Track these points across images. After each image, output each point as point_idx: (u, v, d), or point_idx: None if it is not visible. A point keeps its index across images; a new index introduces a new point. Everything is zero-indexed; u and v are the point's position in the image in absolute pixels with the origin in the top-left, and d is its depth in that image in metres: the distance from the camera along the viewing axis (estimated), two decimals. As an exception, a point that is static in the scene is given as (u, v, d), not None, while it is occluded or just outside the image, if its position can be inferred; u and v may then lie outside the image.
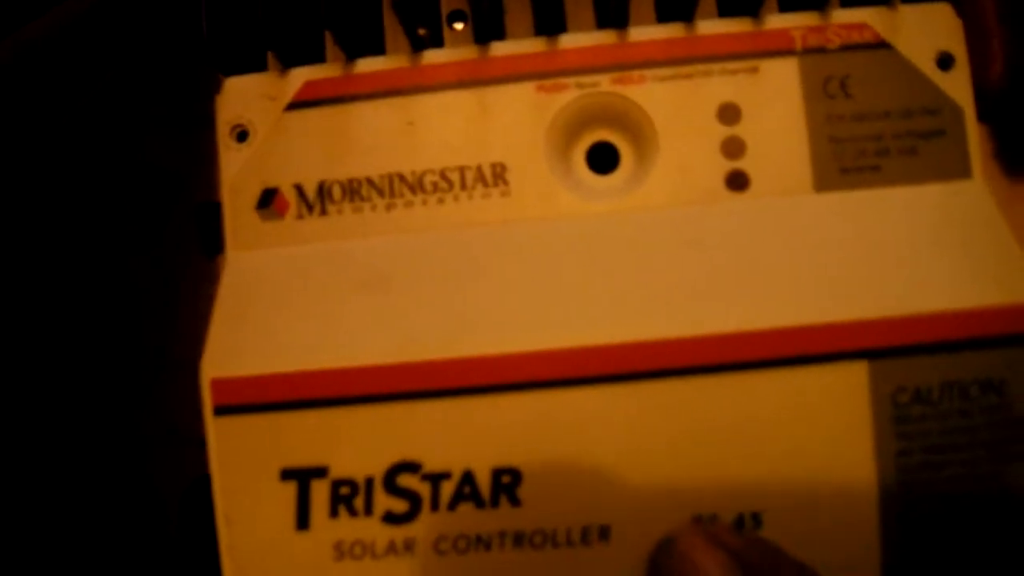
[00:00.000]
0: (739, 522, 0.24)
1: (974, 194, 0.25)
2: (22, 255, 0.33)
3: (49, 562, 0.32)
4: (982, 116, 0.27)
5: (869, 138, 0.26)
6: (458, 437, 0.24)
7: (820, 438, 0.24)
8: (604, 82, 0.26)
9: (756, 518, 0.24)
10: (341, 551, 0.24)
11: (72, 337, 0.33)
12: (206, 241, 0.32)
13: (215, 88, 0.27)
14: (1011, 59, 0.28)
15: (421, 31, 0.28)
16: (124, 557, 0.32)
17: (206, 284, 0.32)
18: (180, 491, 0.32)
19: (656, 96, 0.26)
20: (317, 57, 0.27)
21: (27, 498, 0.32)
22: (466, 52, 0.26)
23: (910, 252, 0.25)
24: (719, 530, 0.22)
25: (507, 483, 0.24)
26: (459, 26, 0.28)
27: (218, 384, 0.25)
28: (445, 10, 0.28)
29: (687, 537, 0.22)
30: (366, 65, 0.27)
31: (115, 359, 0.33)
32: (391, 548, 0.24)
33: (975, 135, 0.26)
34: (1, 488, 0.32)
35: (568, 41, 0.26)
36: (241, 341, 0.25)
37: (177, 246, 0.33)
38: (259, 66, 0.27)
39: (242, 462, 0.25)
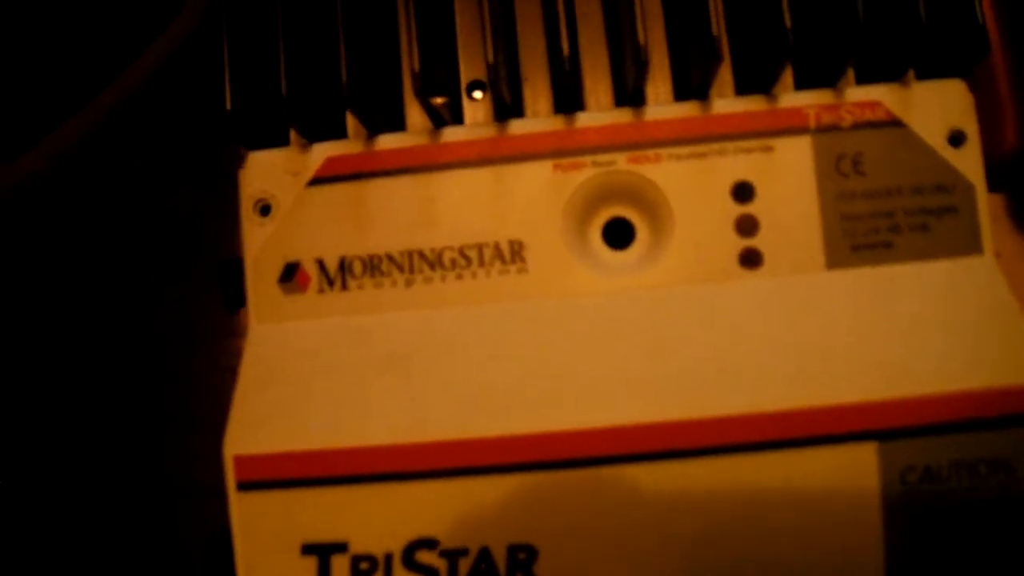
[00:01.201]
0: (750, 599, 0.24)
1: (985, 271, 0.26)
2: (44, 304, 0.33)
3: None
4: (995, 185, 0.27)
5: (881, 215, 0.26)
6: (474, 515, 0.25)
7: (830, 517, 0.24)
8: (620, 160, 0.26)
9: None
10: (360, 624, 0.25)
11: (93, 387, 0.34)
12: (228, 296, 0.33)
13: (239, 161, 0.28)
14: (1024, 131, 0.28)
15: (439, 100, 0.28)
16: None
17: (227, 338, 0.32)
18: (200, 542, 0.33)
19: (671, 174, 0.26)
20: (339, 132, 0.27)
21: (49, 552, 0.33)
22: (485, 130, 0.27)
23: (920, 331, 0.25)
24: None
25: (523, 559, 0.25)
26: (478, 95, 0.28)
27: (241, 461, 0.25)
28: (464, 80, 0.28)
29: None
30: (387, 142, 0.27)
31: (136, 410, 0.33)
32: (409, 622, 0.25)
33: (986, 212, 0.26)
34: (22, 540, 0.33)
35: (585, 120, 0.27)
36: (263, 418, 0.26)
37: (199, 299, 0.33)
38: (282, 140, 0.28)
39: (264, 536, 0.25)
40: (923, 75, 0.27)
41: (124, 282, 0.34)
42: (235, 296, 0.33)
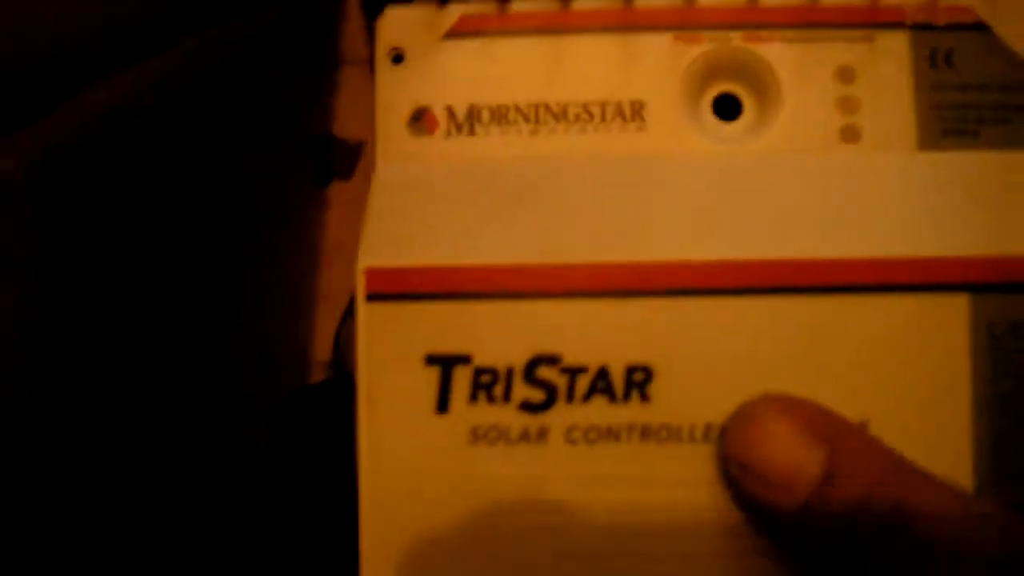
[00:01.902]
0: (846, 430, 0.26)
1: None
2: (143, 175, 0.34)
3: (150, 474, 0.33)
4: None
5: (968, 106, 0.29)
6: (596, 335, 0.26)
7: (924, 358, 0.26)
8: (736, 38, 0.29)
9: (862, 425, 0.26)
10: (477, 435, 0.26)
11: (181, 253, 0.34)
12: (319, 171, 0.34)
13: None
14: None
15: None
16: (216, 472, 0.33)
17: (315, 212, 0.34)
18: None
19: (781, 54, 0.29)
20: None
21: (128, 412, 0.33)
22: (612, 2, 0.29)
23: (1006, 205, 0.27)
24: (793, 401, 0.25)
25: (639, 380, 0.26)
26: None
27: (372, 273, 0.26)
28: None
29: (761, 403, 0.25)
30: (519, 5, 0.29)
31: (224, 280, 0.34)
32: (524, 435, 0.26)
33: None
34: (102, 402, 0.33)
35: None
36: (394, 236, 0.27)
37: (290, 174, 0.35)
38: None
39: (388, 347, 0.26)
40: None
41: (217, 154, 0.35)
42: (325, 172, 0.34)
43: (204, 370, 0.33)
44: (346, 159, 0.30)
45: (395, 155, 0.28)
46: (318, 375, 0.33)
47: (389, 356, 0.26)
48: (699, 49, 0.29)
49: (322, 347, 0.33)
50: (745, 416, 0.25)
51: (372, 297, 0.26)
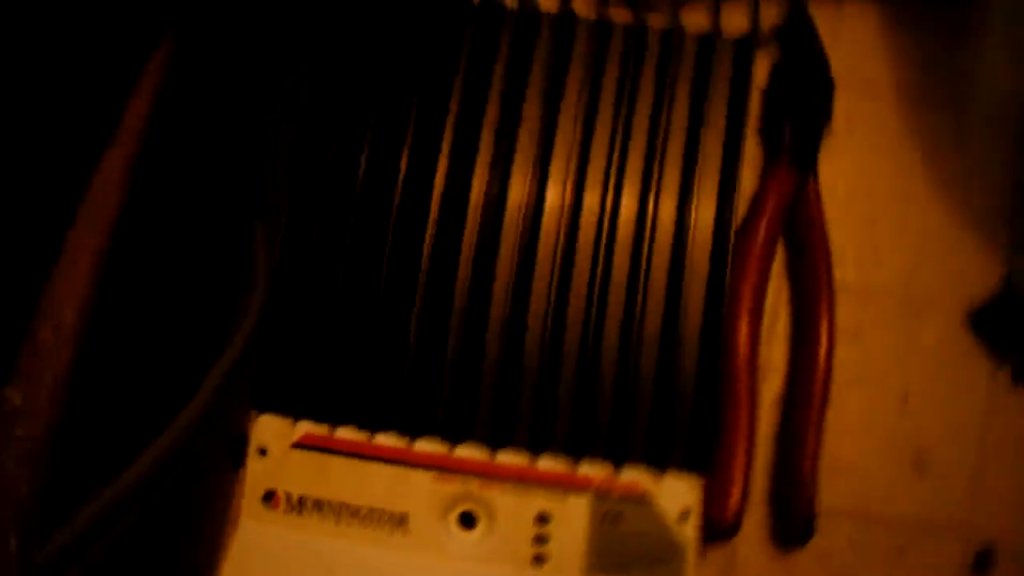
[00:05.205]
0: None
1: None
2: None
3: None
4: (726, 536, 0.44)
5: (627, 552, 0.43)
6: None
7: None
8: (474, 483, 0.44)
9: None
10: None
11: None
12: (234, 459, 0.50)
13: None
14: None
15: None
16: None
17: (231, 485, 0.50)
18: None
19: (502, 499, 0.43)
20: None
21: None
22: (399, 442, 0.44)
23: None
24: None
25: None
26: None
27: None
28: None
29: None
30: (342, 433, 0.45)
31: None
32: None
33: (692, 563, 0.43)
34: None
35: (460, 452, 0.44)
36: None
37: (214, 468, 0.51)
38: (282, 410, 0.45)
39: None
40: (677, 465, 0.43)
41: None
42: (238, 460, 0.50)
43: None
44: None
45: (254, 517, 0.45)
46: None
47: None
48: (451, 486, 0.44)
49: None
50: None
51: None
